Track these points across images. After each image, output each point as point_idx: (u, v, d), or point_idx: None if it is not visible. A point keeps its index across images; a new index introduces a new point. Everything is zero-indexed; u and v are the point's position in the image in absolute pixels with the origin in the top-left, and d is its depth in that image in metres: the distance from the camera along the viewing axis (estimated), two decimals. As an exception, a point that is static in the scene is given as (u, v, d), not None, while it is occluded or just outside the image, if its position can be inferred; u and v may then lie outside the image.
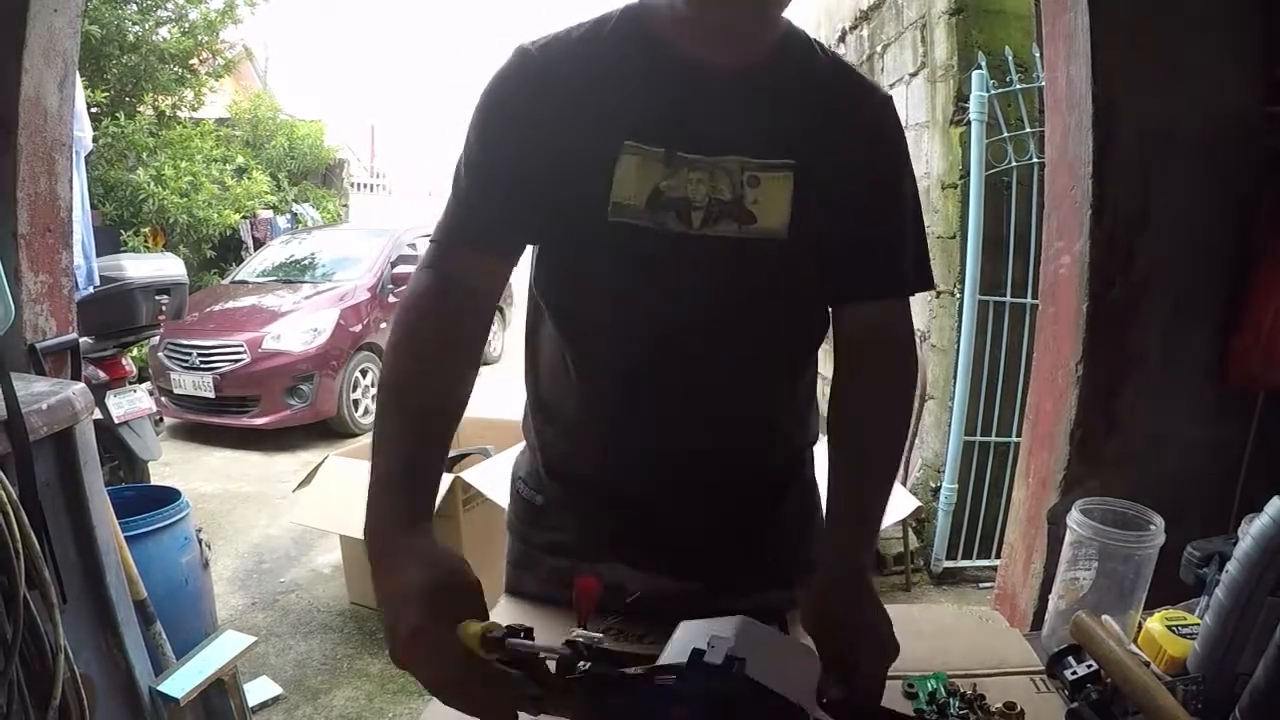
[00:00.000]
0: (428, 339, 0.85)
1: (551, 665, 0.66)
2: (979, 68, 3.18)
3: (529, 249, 0.96)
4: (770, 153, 0.90)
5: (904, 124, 3.96)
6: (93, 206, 5.03)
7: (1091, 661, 0.83)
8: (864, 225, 0.95)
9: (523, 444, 1.12)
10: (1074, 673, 0.83)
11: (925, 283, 1.01)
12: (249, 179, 8.67)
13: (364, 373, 5.78)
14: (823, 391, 1.00)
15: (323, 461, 3.06)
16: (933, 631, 1.00)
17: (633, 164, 0.87)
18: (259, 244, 8.29)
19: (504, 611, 1.03)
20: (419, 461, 0.80)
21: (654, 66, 0.89)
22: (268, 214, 8.99)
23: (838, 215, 0.92)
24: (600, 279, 0.91)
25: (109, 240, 6.85)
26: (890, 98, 1.03)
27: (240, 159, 8.93)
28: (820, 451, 1.07)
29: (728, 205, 0.88)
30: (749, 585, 1.00)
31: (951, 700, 0.83)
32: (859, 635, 0.79)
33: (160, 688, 1.62)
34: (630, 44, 0.90)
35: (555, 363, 0.99)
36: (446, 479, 2.59)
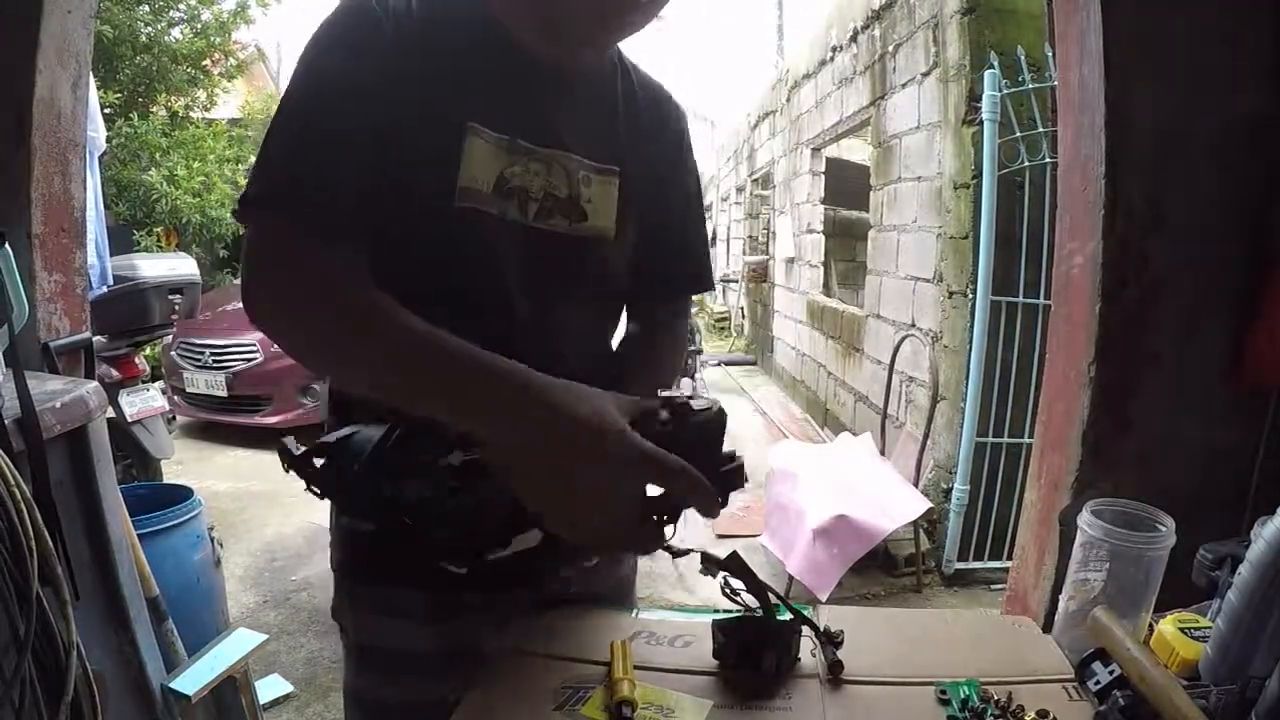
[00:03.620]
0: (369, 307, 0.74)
1: None
2: (991, 67, 3.17)
3: None
4: (600, 157, 0.91)
5: (916, 124, 3.94)
6: (106, 206, 5.07)
7: (1115, 667, 0.82)
8: (672, 232, 1.01)
9: None
10: (1097, 681, 0.82)
11: (711, 283, 1.09)
12: (261, 179, 8.75)
13: (375, 372, 5.78)
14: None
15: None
16: (965, 637, 0.99)
17: (480, 147, 0.82)
18: (271, 243, 8.34)
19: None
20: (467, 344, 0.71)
21: (493, 51, 0.85)
22: (280, 214, 9.05)
23: (650, 222, 0.97)
24: (437, 268, 0.83)
25: (122, 240, 6.91)
26: (685, 111, 1.06)
27: (253, 159, 8.99)
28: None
29: (561, 202, 0.88)
30: None
31: (987, 707, 0.82)
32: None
33: (172, 685, 1.63)
34: (465, 20, 0.85)
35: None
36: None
